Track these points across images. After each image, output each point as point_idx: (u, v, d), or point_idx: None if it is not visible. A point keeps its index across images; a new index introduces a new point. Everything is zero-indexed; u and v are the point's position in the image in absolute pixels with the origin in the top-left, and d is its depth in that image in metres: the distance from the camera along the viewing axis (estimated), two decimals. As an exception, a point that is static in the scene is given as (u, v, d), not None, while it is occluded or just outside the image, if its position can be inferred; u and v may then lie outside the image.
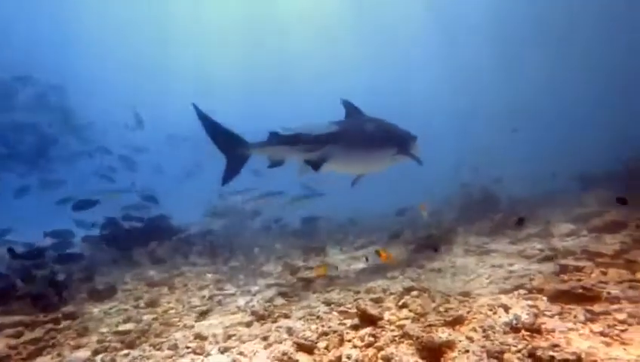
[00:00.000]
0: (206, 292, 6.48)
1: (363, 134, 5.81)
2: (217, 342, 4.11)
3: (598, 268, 4.80)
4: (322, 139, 5.32)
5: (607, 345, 3.06)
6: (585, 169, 10.80)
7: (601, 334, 3.23)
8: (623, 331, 3.21)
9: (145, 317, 5.23)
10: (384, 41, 31.88)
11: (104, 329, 4.81)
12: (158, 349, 4.10)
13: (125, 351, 4.08)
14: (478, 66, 31.13)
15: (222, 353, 3.80)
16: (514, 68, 29.56)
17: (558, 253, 5.80)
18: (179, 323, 4.97)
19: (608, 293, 3.92)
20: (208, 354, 3.83)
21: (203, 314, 5.10)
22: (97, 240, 9.41)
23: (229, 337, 4.18)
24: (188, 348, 4.02)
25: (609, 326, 3.32)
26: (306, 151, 5.32)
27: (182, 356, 3.85)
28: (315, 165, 5.31)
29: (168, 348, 4.06)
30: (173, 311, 5.55)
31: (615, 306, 3.65)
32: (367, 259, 4.65)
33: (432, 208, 9.89)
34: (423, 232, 7.76)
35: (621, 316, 3.43)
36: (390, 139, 6.24)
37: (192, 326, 4.80)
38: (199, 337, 4.32)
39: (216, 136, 5.20)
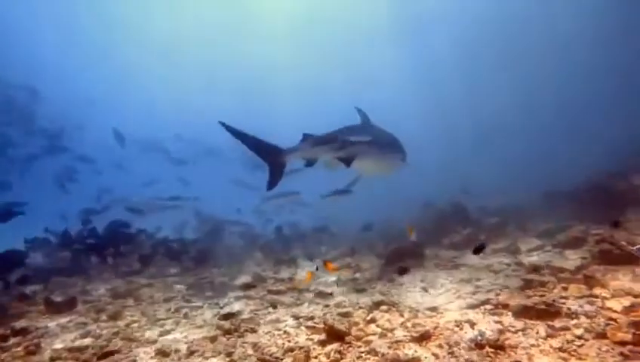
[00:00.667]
0: (172, 305, 6.26)
1: (381, 140, 6.60)
2: (180, 359, 3.95)
3: (560, 283, 4.95)
4: (352, 140, 6.04)
5: (565, 360, 3.15)
6: (552, 185, 11.21)
7: (560, 349, 3.32)
8: (579, 346, 3.31)
9: (105, 332, 4.98)
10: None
11: (59, 346, 4.54)
12: (115, 366, 3.90)
13: (80, 369, 3.87)
14: (451, 82, 31.79)
15: (183, 370, 3.66)
16: (487, 84, 30.37)
17: (539, 268, 5.93)
18: (141, 338, 4.75)
19: (568, 309, 4.04)
20: (169, 372, 3.67)
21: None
22: (57, 248, 8.95)
23: (192, 353, 4.03)
24: (148, 364, 3.85)
25: (567, 342, 3.41)
26: (338, 149, 5.93)
27: (140, 374, 3.68)
28: (347, 161, 5.97)
29: (127, 365, 3.87)
30: (136, 325, 5.33)
31: (574, 321, 3.77)
32: (317, 269, 4.66)
33: (404, 222, 10.04)
34: (394, 246, 7.82)
35: (578, 331, 3.53)
36: (399, 147, 7.01)
37: (155, 341, 4.61)
38: (161, 353, 4.14)
39: (256, 148, 5.64)
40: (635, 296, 4.02)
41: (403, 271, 5.08)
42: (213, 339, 4.42)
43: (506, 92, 29.31)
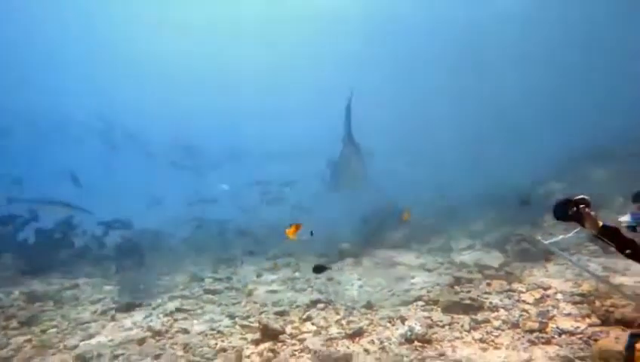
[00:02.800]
0: (99, 307, 5.80)
1: None
2: (101, 364, 3.67)
3: (485, 279, 5.34)
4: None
5: (484, 350, 3.39)
6: (482, 191, 12.05)
7: (481, 340, 3.57)
8: (497, 336, 3.59)
9: (14, 340, 4.45)
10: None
11: (-52, 360, 3.98)
12: (23, 378, 3.51)
13: (-25, 385, 3.42)
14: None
15: (103, 377, 3.40)
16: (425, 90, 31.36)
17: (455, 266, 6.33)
18: (59, 344, 4.34)
19: (490, 303, 4.37)
20: (86, 380, 3.39)
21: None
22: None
23: (116, 357, 3.76)
24: (63, 373, 3.53)
25: (487, 333, 3.68)
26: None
27: (53, 384, 3.35)
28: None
29: (37, 376, 3.51)
30: (54, 331, 4.85)
31: (494, 314, 4.08)
32: (312, 234, 3.94)
33: (348, 224, 10.34)
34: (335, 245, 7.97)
35: (497, 323, 3.84)
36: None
37: (76, 347, 4.23)
38: (80, 359, 3.82)
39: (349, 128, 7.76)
40: (545, 289, 4.46)
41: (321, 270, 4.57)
42: (141, 342, 4.16)
43: (446, 100, 30.68)
